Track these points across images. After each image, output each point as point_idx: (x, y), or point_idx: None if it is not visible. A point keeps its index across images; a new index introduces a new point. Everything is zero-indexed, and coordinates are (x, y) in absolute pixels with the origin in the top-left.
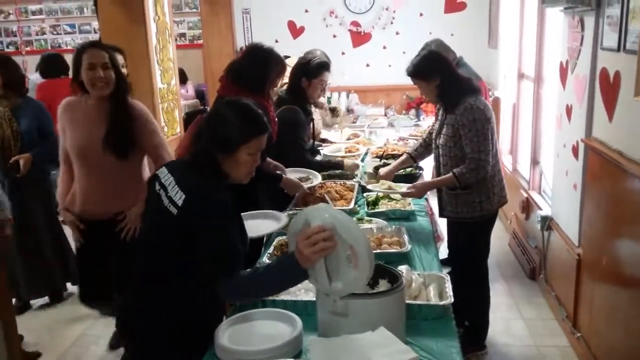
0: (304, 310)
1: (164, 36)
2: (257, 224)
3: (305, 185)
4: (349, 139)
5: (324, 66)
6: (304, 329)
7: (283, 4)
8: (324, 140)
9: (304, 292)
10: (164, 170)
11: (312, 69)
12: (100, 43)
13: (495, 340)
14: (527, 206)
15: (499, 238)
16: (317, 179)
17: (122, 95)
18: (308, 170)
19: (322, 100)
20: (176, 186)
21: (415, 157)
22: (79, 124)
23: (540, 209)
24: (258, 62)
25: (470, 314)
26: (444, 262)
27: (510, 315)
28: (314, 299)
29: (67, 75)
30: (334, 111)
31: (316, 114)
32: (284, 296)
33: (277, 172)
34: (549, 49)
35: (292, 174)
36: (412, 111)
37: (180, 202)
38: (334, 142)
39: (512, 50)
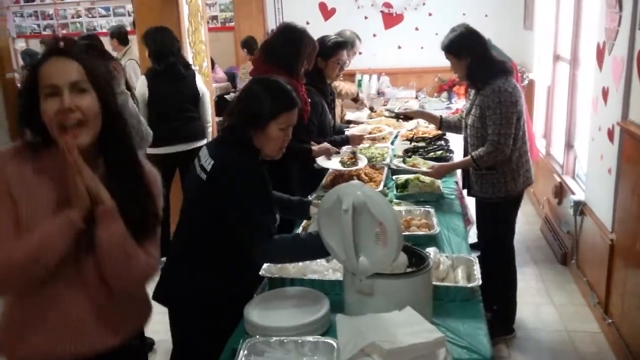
0: (332, 290)
1: (196, 19)
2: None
3: (352, 168)
4: (370, 117)
5: (340, 45)
6: (331, 307)
7: None
8: (349, 122)
9: (331, 271)
10: (204, 148)
11: (328, 49)
12: (71, 47)
13: (525, 325)
14: (560, 191)
15: (531, 223)
16: (362, 161)
17: (121, 143)
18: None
19: (362, 96)
20: (207, 155)
21: (444, 122)
22: (42, 206)
23: (574, 193)
24: (290, 41)
25: (497, 297)
26: (473, 246)
27: (541, 301)
28: (342, 278)
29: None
30: (372, 110)
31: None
32: (312, 275)
33: (322, 158)
34: (585, 30)
35: (336, 158)
36: (444, 94)
37: (208, 168)
38: (360, 121)
39: (547, 32)
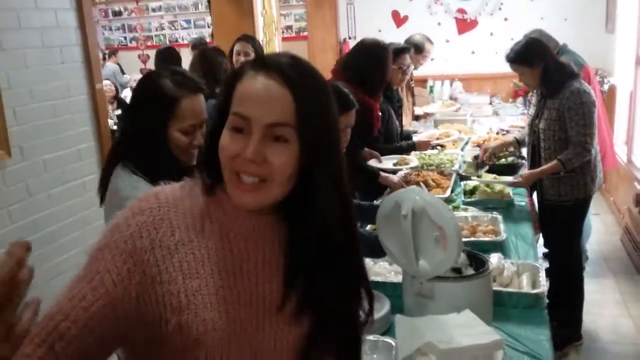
0: (393, 292)
1: (270, 29)
2: None
3: (403, 167)
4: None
5: (402, 50)
6: (391, 309)
7: None
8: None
9: (393, 274)
10: None
11: None
12: (279, 61)
13: (600, 337)
14: None
15: (610, 233)
16: (413, 162)
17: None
18: (406, 156)
19: (419, 110)
20: None
21: (520, 142)
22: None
23: None
24: (377, 64)
25: (567, 300)
26: (545, 256)
27: (618, 313)
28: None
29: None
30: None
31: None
32: (374, 277)
33: (373, 160)
34: None
35: (388, 161)
36: (520, 99)
37: None
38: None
39: (630, 35)
